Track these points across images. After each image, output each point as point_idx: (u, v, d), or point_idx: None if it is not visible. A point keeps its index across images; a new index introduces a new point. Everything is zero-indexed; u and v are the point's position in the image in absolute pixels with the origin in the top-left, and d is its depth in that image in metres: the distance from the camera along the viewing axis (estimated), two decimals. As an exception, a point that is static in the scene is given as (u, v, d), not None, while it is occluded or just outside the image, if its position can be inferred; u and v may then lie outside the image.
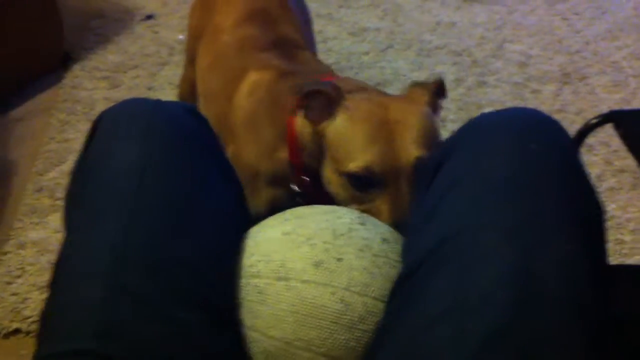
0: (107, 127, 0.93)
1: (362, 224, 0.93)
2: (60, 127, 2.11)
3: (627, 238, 1.69)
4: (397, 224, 1.02)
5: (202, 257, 0.84)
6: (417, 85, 1.22)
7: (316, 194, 1.18)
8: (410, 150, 1.08)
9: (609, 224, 1.73)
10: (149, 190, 0.84)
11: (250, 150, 1.31)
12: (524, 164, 0.81)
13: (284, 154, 1.25)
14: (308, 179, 1.23)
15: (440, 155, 0.92)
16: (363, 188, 1.09)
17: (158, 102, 0.95)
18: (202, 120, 1.01)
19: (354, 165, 1.09)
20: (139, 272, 0.77)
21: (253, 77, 1.37)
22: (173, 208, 0.85)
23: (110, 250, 0.77)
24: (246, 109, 1.36)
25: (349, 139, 1.11)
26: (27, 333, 1.49)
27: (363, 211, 1.04)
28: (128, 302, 0.75)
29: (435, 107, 1.19)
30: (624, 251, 1.66)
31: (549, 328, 0.68)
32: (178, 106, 0.98)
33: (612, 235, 1.70)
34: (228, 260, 0.91)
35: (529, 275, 0.71)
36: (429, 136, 1.12)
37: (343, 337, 0.83)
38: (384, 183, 1.08)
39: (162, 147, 0.89)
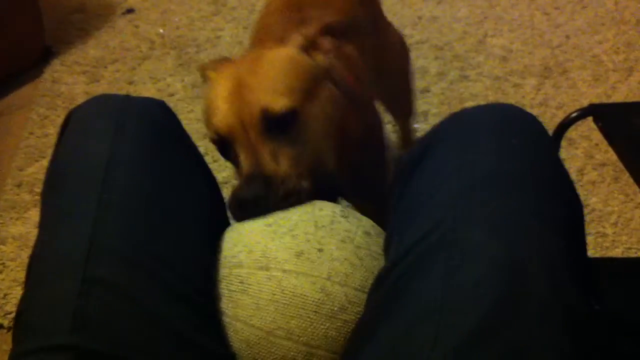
0: (77, 124, 0.93)
1: (344, 216, 0.93)
2: (40, 122, 2.10)
3: (609, 231, 1.70)
4: (252, 176, 0.97)
5: (173, 249, 0.84)
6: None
7: None
8: (256, 101, 1.00)
9: (590, 217, 1.74)
10: (118, 183, 0.84)
11: None
12: (505, 159, 0.81)
13: None
14: None
15: (420, 149, 0.91)
16: (226, 154, 1.03)
17: (127, 98, 0.95)
18: (172, 115, 1.00)
19: (209, 133, 1.03)
20: (113, 264, 0.77)
21: None
22: (142, 201, 0.85)
23: (81, 242, 0.77)
24: None
25: (209, 106, 1.05)
26: (9, 329, 1.48)
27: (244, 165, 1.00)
28: (104, 294, 0.74)
29: (315, 48, 1.11)
30: (605, 244, 1.67)
31: (533, 327, 0.68)
32: (148, 101, 0.98)
33: (593, 229, 1.71)
34: (203, 252, 0.90)
35: (513, 273, 0.70)
36: (285, 80, 1.04)
37: (323, 327, 0.83)
38: (236, 143, 1.01)
39: (132, 142, 0.89)
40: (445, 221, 0.77)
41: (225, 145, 1.02)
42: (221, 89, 1.03)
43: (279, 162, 1.00)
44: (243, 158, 1.00)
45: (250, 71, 1.03)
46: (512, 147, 0.83)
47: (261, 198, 0.94)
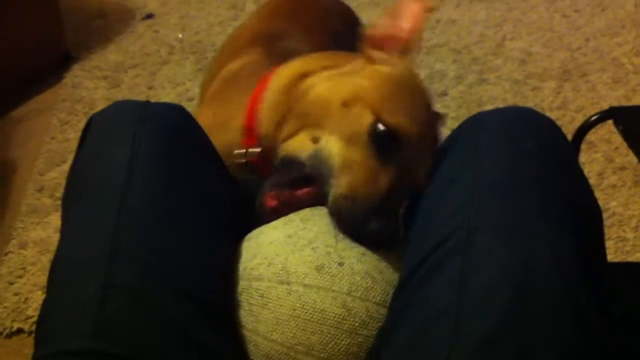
0: (97, 130, 0.94)
1: None
2: (60, 127, 2.11)
3: (630, 235, 1.69)
4: (379, 208, 0.91)
5: (193, 254, 0.85)
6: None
7: (264, 167, 1.07)
8: (432, 118, 0.98)
9: (610, 221, 1.72)
10: (138, 188, 0.85)
11: (206, 118, 1.15)
12: (519, 162, 0.81)
13: (238, 122, 1.12)
14: (259, 149, 1.09)
15: (437, 154, 0.92)
16: (384, 150, 0.93)
17: (147, 104, 0.95)
18: (191, 120, 1.01)
19: (385, 121, 0.93)
20: (132, 269, 0.78)
21: (242, 60, 1.33)
22: (162, 206, 0.86)
23: (103, 247, 0.78)
24: (222, 78, 1.32)
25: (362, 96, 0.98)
26: (30, 333, 1.49)
27: (356, 180, 0.92)
28: (123, 299, 0.75)
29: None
30: (626, 249, 1.66)
31: (546, 329, 0.68)
32: (167, 107, 0.98)
33: (614, 233, 1.70)
34: (222, 258, 0.91)
35: (525, 276, 0.71)
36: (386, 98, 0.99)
37: (344, 343, 0.83)
38: (404, 149, 0.94)
39: (151, 147, 0.90)
40: (460, 227, 0.77)
41: (393, 142, 0.94)
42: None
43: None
44: (412, 167, 0.94)
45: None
46: (526, 151, 0.83)
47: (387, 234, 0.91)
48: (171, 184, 0.89)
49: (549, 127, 0.88)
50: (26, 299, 1.55)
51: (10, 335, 1.49)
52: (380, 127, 0.92)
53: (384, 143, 0.92)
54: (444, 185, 0.86)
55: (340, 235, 0.89)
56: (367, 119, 0.93)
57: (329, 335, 0.83)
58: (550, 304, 0.70)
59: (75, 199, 0.89)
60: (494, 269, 0.72)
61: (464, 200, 0.80)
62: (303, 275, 0.85)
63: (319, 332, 0.83)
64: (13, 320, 1.50)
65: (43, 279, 1.58)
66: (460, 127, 0.92)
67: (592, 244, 0.83)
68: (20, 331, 1.50)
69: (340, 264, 0.86)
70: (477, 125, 0.90)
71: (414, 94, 0.99)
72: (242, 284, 0.90)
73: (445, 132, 1.02)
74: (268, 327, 0.85)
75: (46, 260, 1.63)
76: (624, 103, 2.14)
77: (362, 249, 0.89)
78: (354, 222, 0.89)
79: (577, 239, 0.77)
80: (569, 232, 0.77)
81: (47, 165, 1.96)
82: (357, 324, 0.84)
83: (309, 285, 0.85)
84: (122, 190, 0.84)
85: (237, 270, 0.92)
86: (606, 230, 1.69)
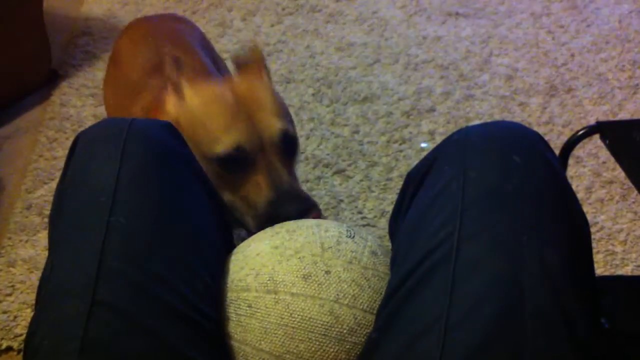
0: (83, 148, 0.94)
1: (350, 237, 0.93)
2: (48, 145, 2.11)
3: (618, 249, 1.70)
4: (279, 195, 1.06)
5: (180, 272, 0.85)
6: (243, 62, 1.22)
7: None
8: (272, 123, 1.09)
9: (599, 235, 1.73)
10: (125, 206, 0.85)
11: None
12: (508, 176, 0.82)
13: None
14: None
15: (424, 166, 0.92)
16: (234, 169, 1.09)
17: (133, 121, 0.95)
18: (178, 136, 1.01)
19: (222, 147, 1.08)
20: (119, 287, 0.78)
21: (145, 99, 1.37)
22: (148, 223, 0.86)
23: (89, 265, 0.78)
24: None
25: (207, 121, 1.11)
26: (19, 351, 1.48)
27: (240, 197, 1.07)
28: (110, 317, 0.75)
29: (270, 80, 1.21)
30: (615, 262, 1.67)
31: (535, 341, 0.68)
32: (154, 124, 0.99)
33: (602, 247, 1.71)
34: (210, 274, 0.91)
35: (515, 288, 0.71)
36: (283, 108, 1.15)
37: (333, 350, 0.83)
38: (254, 160, 1.08)
39: (137, 164, 0.90)
40: (448, 239, 0.77)
41: (240, 161, 1.07)
42: (220, 107, 1.10)
43: (294, 180, 1.05)
44: (263, 175, 1.07)
45: (250, 94, 1.11)
46: (514, 165, 0.83)
47: (303, 213, 1.02)
48: (157, 201, 0.89)
49: (535, 141, 0.89)
50: (15, 316, 1.54)
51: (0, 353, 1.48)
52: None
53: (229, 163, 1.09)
54: (432, 196, 0.86)
55: (326, 245, 0.90)
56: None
57: (317, 343, 0.83)
58: (539, 317, 0.70)
59: (62, 217, 0.89)
60: (482, 280, 0.72)
61: (452, 212, 0.80)
62: (290, 284, 0.86)
63: (307, 340, 0.83)
64: (2, 339, 1.50)
65: (32, 297, 1.57)
66: (447, 140, 0.93)
67: (581, 257, 0.83)
68: (9, 349, 1.49)
69: (327, 272, 0.86)
70: (464, 138, 0.90)
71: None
72: (230, 296, 0.90)
73: (433, 147, 1.03)
74: (256, 336, 0.85)
75: (35, 278, 1.62)
76: (610, 118, 2.16)
77: (348, 258, 0.89)
78: (272, 217, 1.03)
79: (566, 251, 0.77)
80: (558, 244, 0.77)
81: (35, 183, 1.95)
82: (345, 331, 0.84)
83: (296, 294, 0.85)
84: (109, 208, 0.84)
85: (225, 283, 0.92)
86: (595, 244, 1.70)
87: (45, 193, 1.90)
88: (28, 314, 1.54)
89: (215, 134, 1.09)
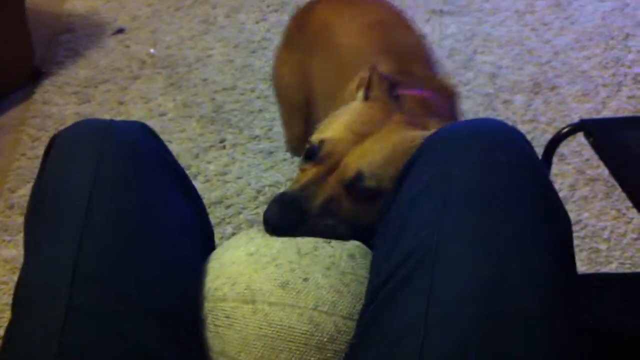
0: (60, 149, 0.93)
1: (327, 241, 0.92)
2: (31, 144, 2.09)
3: (602, 246, 1.70)
4: (288, 194, 0.99)
5: (158, 273, 0.84)
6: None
7: None
8: (362, 160, 1.00)
9: (583, 233, 1.74)
10: (101, 208, 0.84)
11: None
12: (492, 173, 0.81)
13: None
14: None
15: (406, 165, 0.91)
16: (309, 158, 1.04)
17: (112, 122, 0.95)
18: (156, 139, 1.01)
19: (316, 137, 1.06)
20: (95, 291, 0.77)
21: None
22: (126, 225, 0.85)
23: (65, 268, 0.77)
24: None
25: (333, 118, 1.09)
26: None
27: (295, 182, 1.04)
28: (87, 321, 0.75)
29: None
30: (599, 260, 1.67)
31: (519, 344, 0.68)
32: (132, 125, 0.98)
33: (586, 244, 1.71)
34: (187, 277, 0.90)
35: (497, 288, 0.70)
36: (389, 167, 1.00)
37: (314, 359, 0.82)
38: (323, 162, 1.02)
39: (114, 166, 0.89)
40: (429, 238, 0.76)
41: (314, 153, 1.03)
42: (351, 118, 1.07)
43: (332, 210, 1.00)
44: (312, 174, 1.01)
45: (372, 129, 1.04)
46: (498, 163, 0.83)
47: (277, 223, 0.95)
48: (135, 203, 0.88)
49: (518, 139, 0.88)
50: (-3, 318, 1.53)
51: (-20, 355, 1.47)
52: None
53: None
54: (413, 195, 0.85)
55: (303, 251, 0.89)
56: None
57: (297, 353, 0.82)
58: (521, 317, 0.69)
59: (37, 219, 0.88)
60: (464, 280, 0.71)
61: (434, 211, 0.79)
62: (268, 294, 0.85)
63: (287, 349, 0.82)
64: (-17, 340, 1.48)
65: (13, 298, 1.55)
66: (429, 139, 0.92)
67: (564, 255, 0.83)
68: (-9, 351, 1.47)
69: (305, 280, 0.85)
70: (447, 136, 0.90)
71: None
72: (207, 306, 0.88)
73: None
74: (235, 348, 0.84)
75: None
76: (594, 115, 2.17)
77: (326, 263, 0.88)
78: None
79: (549, 250, 0.77)
80: (541, 243, 0.77)
81: (17, 182, 1.94)
82: (325, 339, 0.83)
83: (275, 303, 0.84)
84: (85, 210, 0.83)
85: (201, 293, 0.91)
86: (579, 242, 1.71)
87: (28, 192, 1.85)
88: (10, 315, 1.52)
89: (324, 128, 1.08)
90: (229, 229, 1.78)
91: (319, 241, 0.92)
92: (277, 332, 0.82)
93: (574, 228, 0.90)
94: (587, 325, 1.04)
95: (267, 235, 0.93)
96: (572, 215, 0.85)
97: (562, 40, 2.54)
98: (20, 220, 1.80)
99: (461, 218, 0.77)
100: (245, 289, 0.86)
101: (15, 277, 1.57)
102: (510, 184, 0.81)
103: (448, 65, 2.40)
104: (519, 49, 2.50)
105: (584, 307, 0.96)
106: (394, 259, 0.79)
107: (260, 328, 0.83)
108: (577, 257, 0.90)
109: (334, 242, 0.92)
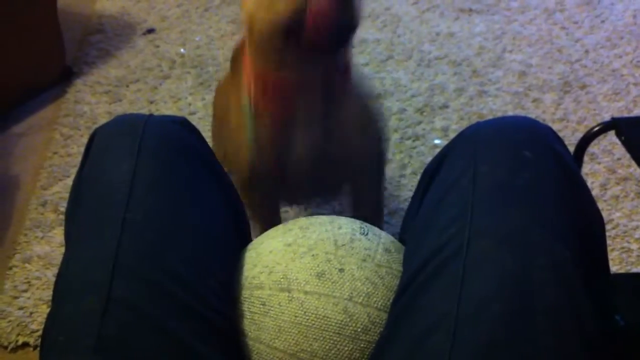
0: (100, 144, 0.94)
1: (363, 234, 0.93)
2: (63, 142, 2.12)
3: (634, 246, 1.69)
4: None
5: (194, 269, 0.85)
6: None
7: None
8: None
9: (614, 232, 1.72)
10: (141, 202, 0.85)
11: None
12: (518, 171, 0.82)
13: None
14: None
15: (436, 162, 0.92)
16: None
17: (149, 117, 0.96)
18: (194, 132, 1.02)
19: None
20: (133, 284, 0.78)
21: None
22: (164, 219, 0.86)
23: (105, 262, 0.78)
24: None
25: None
26: (35, 347, 1.49)
27: None
28: (125, 314, 0.76)
29: None
30: (630, 259, 1.66)
31: (546, 339, 0.68)
32: (169, 119, 0.99)
33: (618, 244, 1.70)
34: (224, 271, 0.91)
35: (525, 285, 0.71)
36: None
37: (347, 348, 0.83)
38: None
39: (153, 160, 0.90)
40: (459, 233, 0.77)
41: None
42: None
43: None
44: None
45: None
46: (525, 160, 0.83)
47: None
48: (173, 198, 0.90)
49: (546, 135, 0.88)
50: (31, 312, 1.55)
51: (16, 349, 1.50)
52: None
53: None
54: (443, 191, 0.86)
55: (340, 242, 0.90)
56: None
57: (331, 342, 0.83)
58: (549, 314, 0.69)
59: (78, 212, 0.89)
60: (492, 276, 0.72)
61: (462, 206, 0.80)
62: (304, 283, 0.86)
63: (321, 338, 0.83)
64: (18, 334, 1.51)
65: (48, 293, 1.58)
66: (458, 135, 0.93)
67: (594, 253, 0.83)
68: (25, 345, 1.50)
69: (341, 270, 0.86)
70: (475, 133, 0.90)
71: None
72: (244, 293, 0.90)
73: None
74: (270, 334, 0.85)
75: (50, 274, 1.64)
76: (625, 114, 2.14)
77: (362, 255, 0.89)
78: None
79: (577, 247, 0.77)
80: (569, 240, 0.77)
81: (50, 179, 1.96)
82: (359, 330, 0.84)
83: (310, 292, 0.85)
84: (125, 204, 0.84)
85: (238, 281, 0.92)
86: (610, 242, 1.69)
87: (60, 190, 1.92)
88: (44, 310, 1.55)
89: None
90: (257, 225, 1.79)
91: (356, 233, 0.93)
92: (312, 320, 0.83)
93: (605, 227, 0.90)
94: (618, 326, 1.04)
95: (304, 227, 0.94)
96: (604, 215, 0.85)
97: (592, 39, 2.52)
98: (52, 217, 1.82)
99: (489, 215, 0.78)
100: (282, 278, 0.87)
101: (49, 273, 1.61)
102: (537, 181, 0.81)
103: (477, 64, 2.39)
104: (548, 48, 2.48)
105: (615, 307, 0.95)
106: (423, 253, 0.80)
107: (296, 316, 0.84)
108: (608, 257, 0.90)
109: (370, 235, 0.94)
